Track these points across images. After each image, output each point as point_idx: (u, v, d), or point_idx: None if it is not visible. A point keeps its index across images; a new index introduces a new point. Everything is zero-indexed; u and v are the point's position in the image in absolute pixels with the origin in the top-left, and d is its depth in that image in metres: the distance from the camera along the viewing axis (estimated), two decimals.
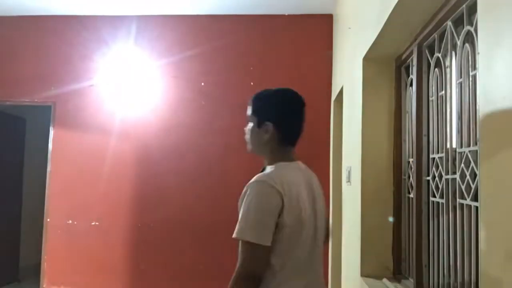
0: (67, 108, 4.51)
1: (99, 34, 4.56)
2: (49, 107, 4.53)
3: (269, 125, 1.60)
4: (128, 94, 4.49)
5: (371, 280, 2.36)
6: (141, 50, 4.53)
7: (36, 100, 4.57)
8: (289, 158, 1.64)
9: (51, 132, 4.51)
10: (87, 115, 4.49)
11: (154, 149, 4.40)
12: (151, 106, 4.47)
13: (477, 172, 1.34)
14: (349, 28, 3.17)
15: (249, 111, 1.68)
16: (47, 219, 4.43)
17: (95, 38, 4.56)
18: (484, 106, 1.05)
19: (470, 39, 1.59)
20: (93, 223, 4.39)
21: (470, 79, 1.56)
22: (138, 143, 4.42)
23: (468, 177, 1.54)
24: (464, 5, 1.58)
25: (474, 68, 1.52)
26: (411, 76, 2.25)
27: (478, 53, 1.09)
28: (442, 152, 1.84)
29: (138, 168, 4.41)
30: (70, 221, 4.42)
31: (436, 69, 1.94)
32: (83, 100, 4.52)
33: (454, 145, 1.72)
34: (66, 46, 4.57)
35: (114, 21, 4.55)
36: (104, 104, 4.49)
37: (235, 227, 1.50)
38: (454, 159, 1.71)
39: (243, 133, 1.80)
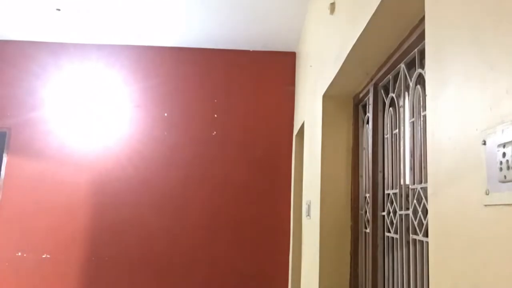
0: (23, 135, 4.37)
1: (59, 61, 4.50)
2: (3, 134, 4.38)
3: None
4: (88, 123, 4.42)
5: None
6: (103, 79, 4.49)
7: None
8: None
9: (4, 159, 4.34)
10: (43, 144, 4.36)
11: (112, 180, 4.30)
12: (111, 136, 4.40)
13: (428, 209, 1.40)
14: (311, 66, 3.28)
15: None
16: None
17: (55, 66, 4.49)
18: (432, 146, 1.10)
19: (421, 81, 1.68)
20: (44, 256, 4.19)
21: (422, 119, 1.64)
22: (95, 174, 4.31)
23: (420, 213, 1.60)
24: (416, 49, 1.68)
25: (425, 108, 1.60)
26: (367, 114, 2.34)
27: (426, 95, 1.15)
28: (396, 188, 1.90)
29: (94, 199, 4.28)
30: (20, 253, 4.20)
31: (391, 108, 2.03)
32: (39, 128, 4.40)
33: (407, 182, 1.79)
34: (23, 73, 4.47)
35: (76, 49, 4.51)
36: (61, 133, 4.39)
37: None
38: (407, 196, 1.77)
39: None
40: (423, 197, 1.57)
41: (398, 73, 1.92)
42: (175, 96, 4.48)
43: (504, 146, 0.75)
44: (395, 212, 1.89)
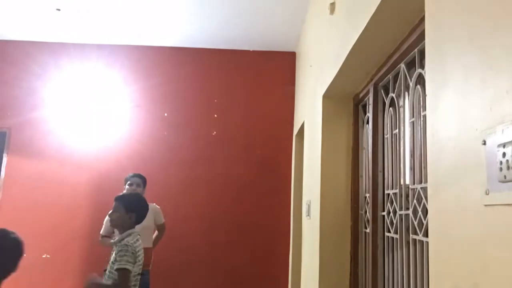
0: (23, 135, 4.37)
1: (59, 61, 4.50)
2: (3, 134, 4.38)
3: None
4: (88, 123, 4.41)
5: None
6: (103, 79, 4.49)
7: None
8: None
9: (4, 159, 4.34)
10: (43, 144, 4.36)
11: (112, 180, 4.29)
12: (111, 136, 4.40)
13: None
14: (311, 66, 3.28)
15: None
16: None
17: (55, 66, 4.49)
18: (432, 146, 1.10)
19: (421, 81, 1.68)
20: (44, 256, 4.18)
21: (422, 119, 1.64)
22: (95, 174, 4.31)
23: (420, 213, 1.60)
24: (416, 49, 1.68)
25: (425, 108, 1.60)
26: (367, 114, 2.33)
27: (426, 95, 1.15)
28: (396, 188, 1.90)
29: (94, 199, 4.28)
30: None
31: (391, 108, 2.03)
32: (39, 128, 4.39)
33: (407, 182, 1.79)
34: (23, 73, 4.47)
35: (76, 49, 4.51)
36: (61, 133, 4.39)
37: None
38: (407, 196, 1.77)
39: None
40: (423, 197, 1.57)
41: (398, 73, 1.92)
42: (175, 96, 4.48)
43: (504, 146, 0.75)
44: (395, 212, 1.89)
